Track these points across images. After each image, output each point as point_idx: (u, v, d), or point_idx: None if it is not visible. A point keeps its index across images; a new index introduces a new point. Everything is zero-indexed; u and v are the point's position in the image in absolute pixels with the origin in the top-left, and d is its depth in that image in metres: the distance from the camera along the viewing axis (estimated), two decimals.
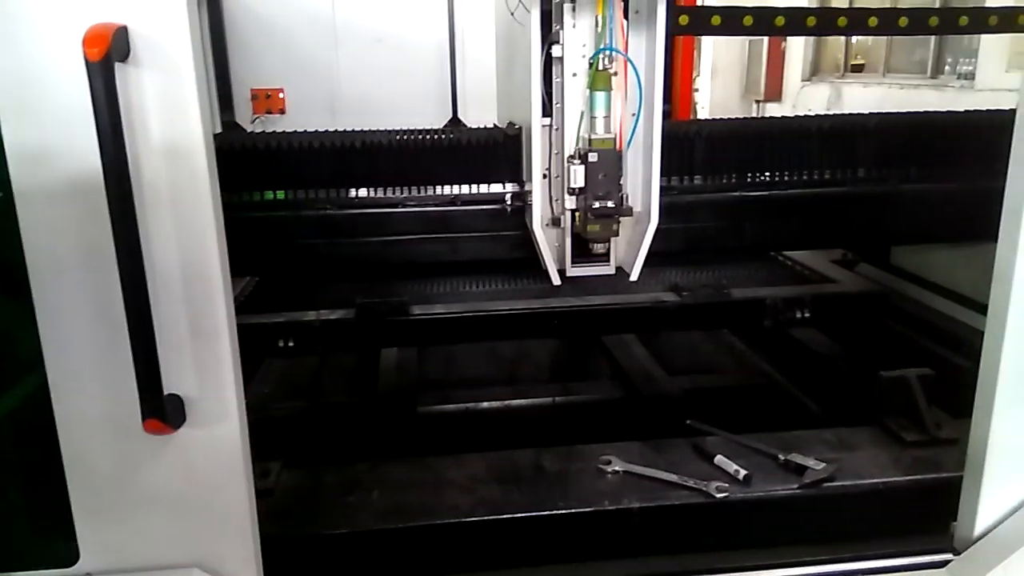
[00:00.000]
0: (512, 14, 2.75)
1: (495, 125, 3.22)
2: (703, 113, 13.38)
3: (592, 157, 2.59)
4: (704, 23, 2.85)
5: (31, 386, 1.76)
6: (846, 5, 11.38)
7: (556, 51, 2.61)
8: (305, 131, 2.79)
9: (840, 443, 2.15)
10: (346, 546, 1.86)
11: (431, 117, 5.53)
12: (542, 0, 2.52)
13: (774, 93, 13.11)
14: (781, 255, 3.47)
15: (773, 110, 13.00)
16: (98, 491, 1.47)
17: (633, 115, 2.68)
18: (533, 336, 3.21)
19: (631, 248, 2.81)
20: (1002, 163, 1.58)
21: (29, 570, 1.53)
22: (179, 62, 1.30)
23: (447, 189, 2.83)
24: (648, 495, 1.94)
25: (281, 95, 5.66)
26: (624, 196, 2.67)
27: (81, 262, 1.35)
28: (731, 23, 2.80)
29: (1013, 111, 1.57)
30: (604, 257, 2.84)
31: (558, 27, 2.61)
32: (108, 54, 1.22)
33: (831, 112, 10.28)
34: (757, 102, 13.52)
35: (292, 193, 2.77)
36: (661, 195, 2.68)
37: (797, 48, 12.61)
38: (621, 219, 2.69)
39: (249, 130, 5.34)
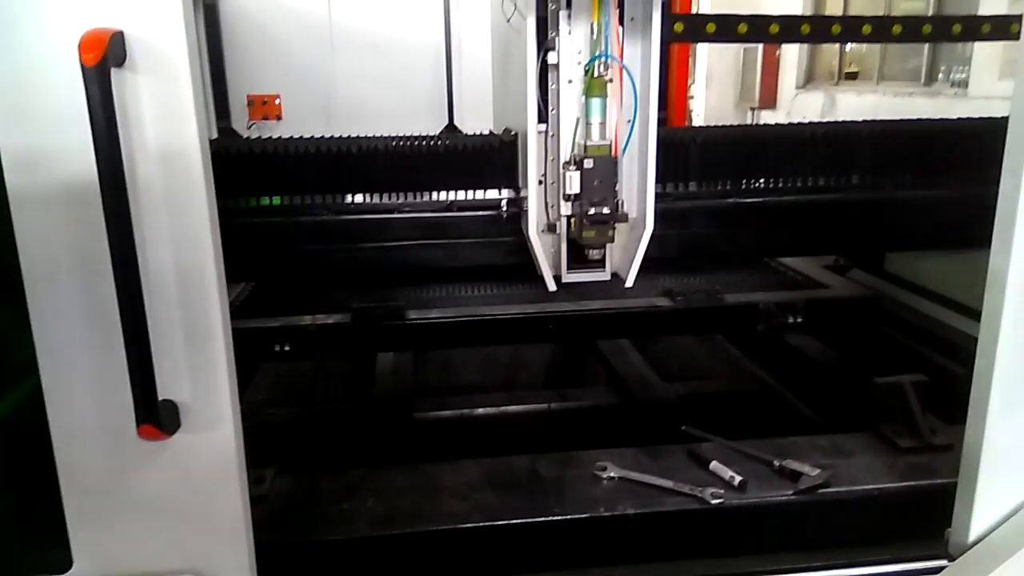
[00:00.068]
0: (508, 20, 2.76)
1: (491, 131, 3.22)
2: (698, 120, 13.43)
3: (588, 163, 2.60)
4: (699, 30, 2.86)
5: (25, 391, 1.75)
6: (840, 13, 11.44)
7: (552, 58, 2.62)
8: (301, 137, 2.80)
9: (835, 449, 2.15)
10: (341, 553, 1.86)
11: (427, 123, 5.54)
12: (538, 7, 2.53)
13: (769, 100, 13.16)
14: (774, 261, 3.48)
15: (768, 117, 13.04)
16: (92, 497, 1.47)
17: (628, 122, 2.69)
18: (528, 341, 3.21)
19: (626, 254, 2.82)
20: (995, 170, 1.59)
21: None
22: (175, 68, 1.30)
23: (443, 195, 2.83)
24: (643, 501, 1.94)
25: (277, 101, 5.66)
26: (619, 202, 2.68)
27: (76, 267, 1.35)
28: (726, 30, 2.82)
29: (1006, 119, 1.58)
30: (600, 263, 2.85)
31: (554, 34, 2.62)
32: (104, 59, 1.22)
33: (825, 119, 10.33)
34: (752, 109, 13.56)
35: (288, 199, 2.76)
36: (656, 201, 2.69)
37: (792, 56, 12.66)
38: (616, 225, 2.70)
39: (245, 136, 5.34)
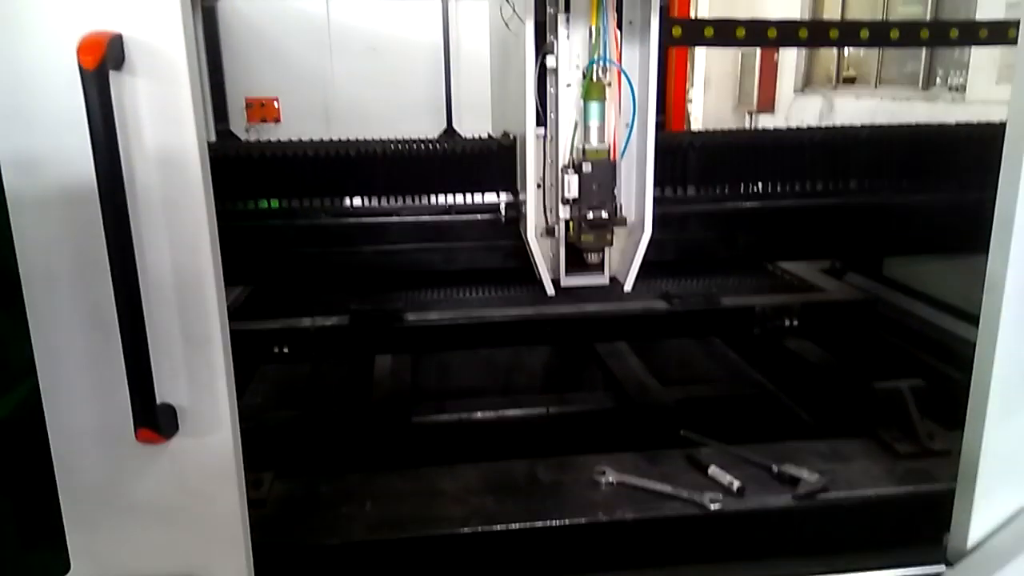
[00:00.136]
0: (507, 24, 2.76)
1: (489, 135, 3.23)
2: (696, 124, 13.46)
3: (586, 167, 2.61)
4: (697, 34, 2.87)
5: (23, 394, 1.74)
6: (838, 18, 11.47)
7: (550, 61, 2.63)
8: (300, 140, 2.80)
9: (833, 454, 2.15)
10: (339, 557, 1.85)
11: (426, 126, 5.55)
12: (536, 11, 2.53)
13: (767, 104, 13.18)
14: (772, 265, 3.49)
15: (766, 121, 13.06)
16: (90, 500, 1.46)
17: (627, 126, 2.69)
18: (526, 343, 3.21)
19: (625, 258, 2.82)
20: (993, 175, 1.59)
21: None
22: (174, 71, 1.30)
23: (442, 198, 2.84)
24: (642, 506, 1.94)
25: (276, 104, 5.67)
26: (618, 206, 2.69)
27: (74, 270, 1.35)
28: (724, 34, 2.83)
29: (1003, 123, 1.58)
30: (598, 267, 2.85)
31: (552, 38, 2.62)
32: (103, 62, 1.22)
33: (823, 124, 10.35)
34: (750, 113, 13.58)
35: (286, 202, 2.77)
36: (655, 205, 2.69)
37: (790, 60, 12.69)
38: (615, 229, 2.70)
39: (243, 139, 5.34)
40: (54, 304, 1.37)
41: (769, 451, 2.13)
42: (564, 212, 2.70)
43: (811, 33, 3.02)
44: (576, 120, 2.67)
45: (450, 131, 5.67)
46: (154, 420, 1.37)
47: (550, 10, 2.61)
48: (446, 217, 2.83)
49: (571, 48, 2.64)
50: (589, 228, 2.65)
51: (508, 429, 2.84)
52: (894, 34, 2.96)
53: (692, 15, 6.82)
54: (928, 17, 9.64)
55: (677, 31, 2.76)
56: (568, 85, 2.67)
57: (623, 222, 2.70)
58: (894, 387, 2.24)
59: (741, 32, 2.81)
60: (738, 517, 1.94)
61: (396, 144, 2.79)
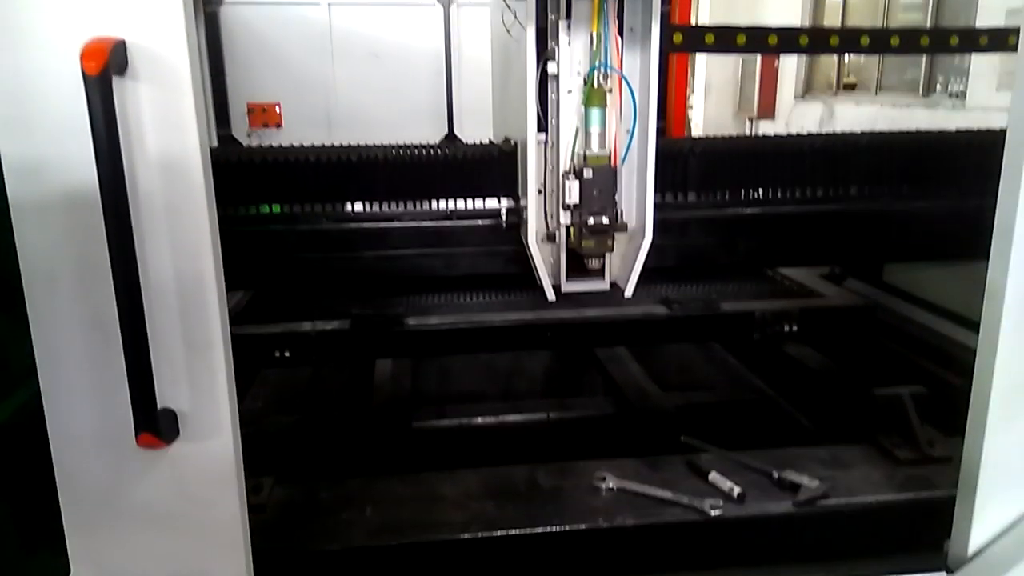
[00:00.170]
0: (508, 31, 2.77)
1: (491, 141, 3.23)
2: (697, 130, 13.48)
3: (587, 173, 2.61)
4: (698, 41, 2.88)
5: (23, 398, 1.75)
6: (838, 24, 11.50)
7: (551, 68, 2.64)
8: (301, 145, 2.80)
9: (834, 461, 2.15)
10: (339, 563, 1.85)
11: (427, 132, 5.57)
12: (538, 17, 2.54)
13: (767, 111, 13.20)
14: (772, 271, 3.49)
15: (766, 127, 13.08)
16: (90, 505, 1.46)
17: (628, 132, 2.70)
18: (526, 348, 3.21)
19: (625, 264, 2.82)
20: (993, 181, 1.60)
21: None
22: (177, 76, 1.31)
23: (443, 204, 2.84)
24: (642, 512, 1.93)
25: (277, 109, 5.69)
26: (619, 212, 2.69)
27: (76, 274, 1.35)
28: (725, 41, 2.84)
29: (1004, 130, 1.58)
30: (599, 273, 2.85)
31: (553, 44, 2.64)
32: (106, 68, 1.23)
33: (824, 130, 10.37)
34: (750, 120, 13.60)
35: (288, 207, 2.77)
36: (655, 211, 2.70)
37: (790, 66, 12.71)
38: (616, 235, 2.70)
39: (245, 144, 5.35)
40: (55, 308, 1.37)
41: (769, 457, 2.12)
42: (565, 218, 2.71)
43: (811, 40, 3.03)
44: (577, 126, 2.68)
45: (451, 136, 5.69)
46: (155, 425, 1.37)
47: (551, 17, 2.62)
48: (447, 222, 2.83)
49: (572, 54, 2.65)
50: (590, 234, 2.65)
51: (508, 434, 2.83)
52: (894, 41, 2.97)
53: (692, 22, 6.84)
54: (928, 24, 9.66)
55: (678, 38, 2.77)
56: (569, 91, 2.68)
57: (624, 228, 2.71)
58: (894, 393, 2.24)
59: (742, 39, 2.82)
60: (738, 523, 1.93)
61: (397, 149, 2.80)
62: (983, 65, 8.45)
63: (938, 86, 9.74)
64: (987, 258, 1.62)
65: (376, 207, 2.82)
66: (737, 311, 2.87)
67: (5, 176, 1.31)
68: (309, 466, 2.31)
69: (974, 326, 1.71)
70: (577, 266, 2.83)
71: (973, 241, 1.75)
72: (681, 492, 1.97)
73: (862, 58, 11.20)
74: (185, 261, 1.38)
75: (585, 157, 2.63)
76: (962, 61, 9.03)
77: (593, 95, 2.61)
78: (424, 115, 5.70)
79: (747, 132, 13.06)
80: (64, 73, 1.26)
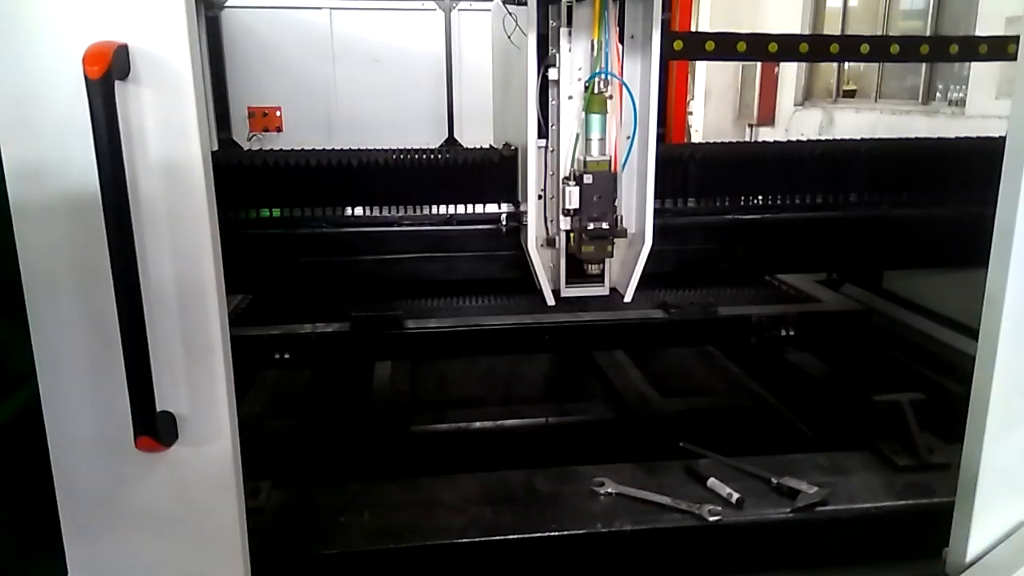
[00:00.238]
0: (509, 37, 2.78)
1: (491, 145, 3.24)
2: (697, 136, 13.50)
3: (587, 179, 2.62)
4: (698, 48, 2.88)
5: (21, 401, 1.75)
6: (838, 32, 11.53)
7: (552, 74, 2.64)
8: (302, 149, 2.81)
9: (833, 467, 2.15)
10: (337, 566, 1.85)
11: (427, 136, 5.57)
12: (539, 23, 2.55)
13: (767, 117, 13.23)
14: (771, 277, 3.50)
15: (766, 134, 13.11)
16: (88, 509, 1.46)
17: (628, 138, 2.70)
18: (525, 351, 3.22)
19: (625, 269, 2.83)
20: (992, 189, 1.60)
21: None
22: (179, 81, 1.31)
23: (443, 208, 2.84)
24: (641, 518, 1.94)
25: (278, 113, 5.69)
26: (618, 218, 2.69)
27: (77, 278, 1.35)
28: (725, 48, 2.84)
29: (1003, 138, 1.59)
30: (598, 278, 2.86)
31: (554, 50, 2.64)
32: (108, 72, 1.23)
33: (823, 137, 10.39)
34: (750, 126, 13.64)
35: (288, 211, 2.77)
36: (655, 217, 2.70)
37: (790, 73, 12.75)
38: (615, 240, 2.71)
39: (246, 148, 5.35)
40: (55, 311, 1.37)
41: (768, 463, 2.13)
42: (565, 223, 2.71)
43: (812, 47, 3.03)
44: (577, 132, 2.68)
45: (451, 141, 5.69)
46: (154, 428, 1.37)
47: (552, 23, 2.63)
48: (447, 227, 2.84)
49: (573, 61, 2.66)
50: (590, 239, 2.65)
51: (507, 439, 2.84)
52: (894, 49, 2.97)
53: (693, 29, 6.86)
54: (928, 32, 9.69)
55: (678, 45, 2.77)
56: (570, 97, 2.69)
57: (623, 233, 2.71)
58: (893, 400, 2.24)
59: (742, 46, 2.83)
60: (737, 529, 1.93)
61: (398, 154, 2.80)
62: (983, 73, 8.48)
63: (938, 94, 9.77)
64: (986, 265, 1.62)
65: (376, 211, 2.82)
66: (734, 315, 2.88)
67: (7, 179, 1.31)
68: (307, 470, 2.31)
69: (973, 333, 1.71)
70: (577, 271, 2.84)
71: (972, 248, 1.75)
72: (680, 498, 1.97)
73: (862, 65, 11.24)
74: (185, 265, 1.38)
75: (585, 163, 2.63)
76: (961, 69, 9.06)
77: (594, 101, 2.61)
78: (424, 120, 5.71)
79: (747, 139, 13.09)
80: (67, 77, 1.26)
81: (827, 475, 2.10)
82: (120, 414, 1.37)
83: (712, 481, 2.04)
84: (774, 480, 2.04)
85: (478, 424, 2.84)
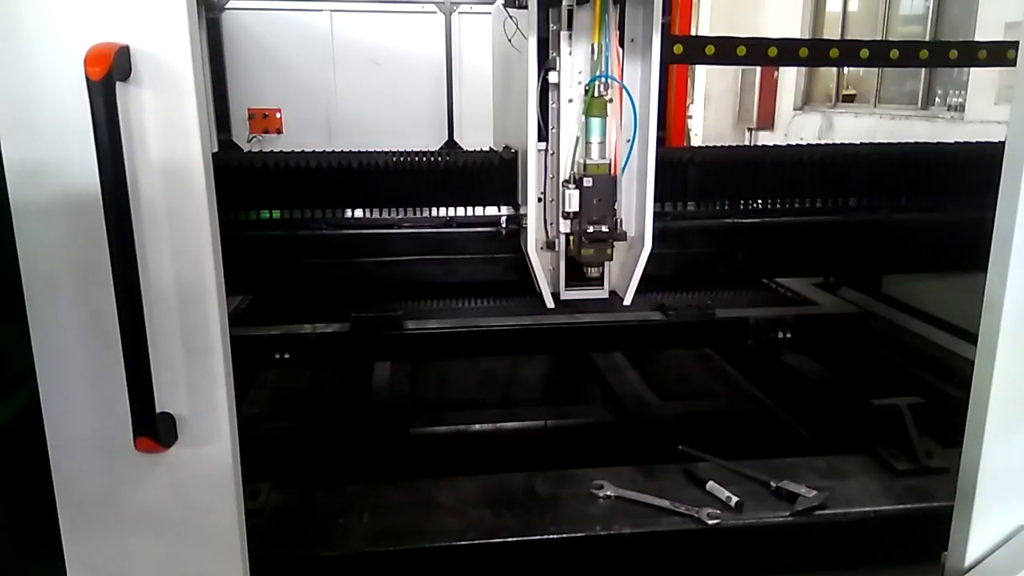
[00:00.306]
0: (510, 40, 2.78)
1: (491, 148, 3.24)
2: (696, 140, 13.52)
3: (587, 182, 2.62)
4: (698, 52, 2.89)
5: (21, 402, 1.75)
6: (838, 37, 11.55)
7: (552, 77, 2.65)
8: (302, 151, 2.81)
9: (832, 471, 2.15)
10: (336, 568, 1.85)
11: (427, 139, 5.57)
12: (539, 27, 2.55)
13: (766, 121, 13.25)
14: (769, 280, 3.51)
15: (765, 138, 13.13)
16: (87, 509, 1.46)
17: (628, 141, 2.71)
18: (523, 352, 3.23)
19: (624, 272, 2.83)
20: (991, 194, 1.60)
21: None
22: (180, 82, 1.31)
23: (443, 211, 2.84)
24: (640, 521, 1.94)
25: (278, 115, 5.69)
26: (618, 221, 2.70)
27: (77, 279, 1.35)
28: (725, 52, 2.85)
29: (1002, 143, 1.59)
30: (598, 281, 2.86)
31: (554, 54, 2.65)
32: (109, 73, 1.23)
33: (823, 141, 10.41)
34: (749, 130, 13.65)
35: (288, 213, 2.77)
36: (655, 220, 2.71)
37: (789, 78, 12.77)
38: (615, 243, 2.71)
39: (245, 150, 5.36)
40: (55, 312, 1.37)
41: (767, 467, 2.13)
42: (565, 226, 2.72)
43: (811, 52, 3.04)
44: (577, 135, 2.69)
45: (451, 144, 5.69)
46: (153, 429, 1.37)
47: (553, 27, 2.63)
48: (447, 230, 2.84)
49: (573, 64, 2.66)
50: (589, 242, 2.66)
51: (506, 441, 2.84)
52: (894, 54, 2.98)
53: (692, 33, 6.87)
54: (928, 37, 9.71)
55: (678, 49, 2.78)
56: (570, 101, 2.69)
57: (623, 236, 2.72)
58: (892, 404, 2.24)
59: (742, 50, 2.83)
60: (736, 533, 1.94)
61: (398, 156, 2.80)
62: (982, 78, 8.50)
63: (937, 99, 9.78)
64: (985, 270, 1.63)
65: (376, 213, 2.83)
66: (731, 317, 2.89)
67: (7, 179, 1.31)
68: (306, 471, 2.30)
69: (972, 337, 1.71)
70: (576, 274, 2.84)
71: (971, 253, 1.76)
72: (679, 501, 1.97)
73: (861, 70, 11.25)
74: (186, 266, 1.38)
75: (585, 166, 2.64)
76: (961, 74, 9.08)
77: (594, 104, 2.62)
78: (424, 122, 5.71)
79: (746, 143, 13.11)
80: (68, 78, 1.26)
81: (826, 479, 2.10)
82: (120, 415, 1.36)
83: (711, 484, 2.04)
84: (773, 484, 2.04)
85: (477, 426, 2.84)
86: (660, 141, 2.73)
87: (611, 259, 2.76)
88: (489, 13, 3.56)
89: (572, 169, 2.69)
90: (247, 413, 2.80)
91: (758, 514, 1.96)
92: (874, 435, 2.26)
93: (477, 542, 1.88)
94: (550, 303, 2.80)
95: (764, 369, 3.23)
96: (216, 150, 4.79)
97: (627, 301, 2.79)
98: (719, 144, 3.09)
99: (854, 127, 10.87)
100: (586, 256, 2.70)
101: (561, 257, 2.81)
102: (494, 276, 2.89)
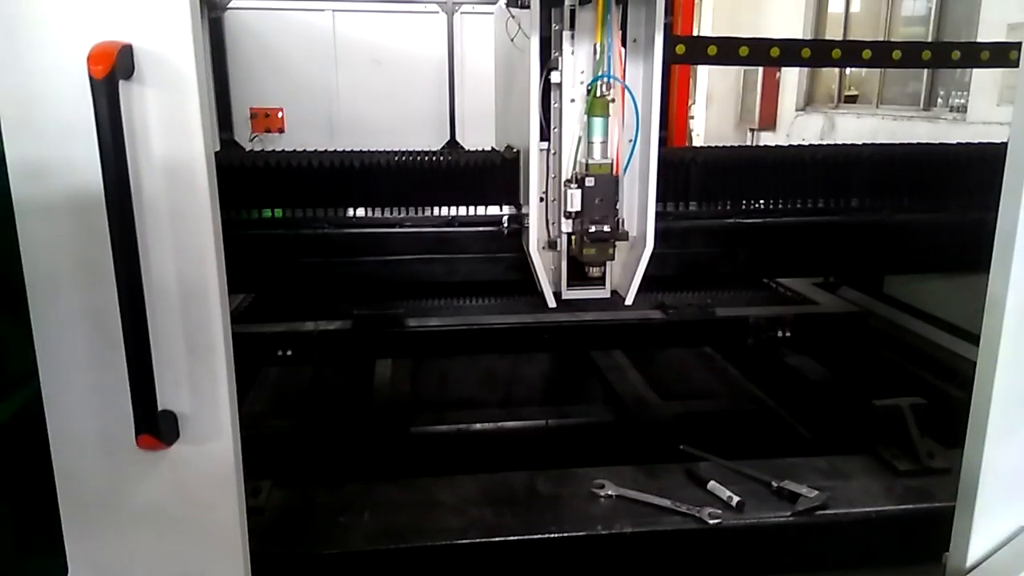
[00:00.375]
0: (512, 40, 2.78)
1: (492, 148, 3.24)
2: (698, 140, 13.51)
3: (589, 182, 2.62)
4: (701, 52, 2.89)
5: (23, 399, 1.75)
6: (840, 37, 11.54)
7: (555, 77, 2.65)
8: (304, 150, 2.81)
9: (833, 471, 2.15)
10: (337, 566, 1.85)
11: (429, 139, 5.57)
12: (542, 26, 2.56)
13: (768, 122, 13.23)
14: (768, 279, 3.51)
15: (767, 139, 13.11)
16: (89, 506, 1.46)
17: (630, 141, 2.71)
18: (524, 350, 3.23)
19: (626, 272, 2.83)
20: (993, 195, 1.60)
21: None
22: (183, 81, 1.31)
23: (444, 210, 2.85)
24: (641, 520, 1.93)
25: (280, 115, 5.69)
26: (620, 221, 2.70)
27: (79, 277, 1.35)
28: (727, 53, 2.85)
29: (1004, 144, 1.59)
30: (599, 280, 2.86)
31: (557, 54, 2.65)
32: (112, 72, 1.23)
33: (825, 142, 10.40)
34: (751, 130, 13.64)
35: (290, 211, 2.78)
36: (657, 220, 2.71)
37: (792, 78, 12.75)
38: (617, 243, 2.71)
39: (247, 149, 5.36)
40: (58, 310, 1.37)
41: (768, 467, 2.12)
42: (566, 226, 2.72)
43: (814, 52, 3.03)
44: (579, 135, 2.69)
45: (453, 144, 5.69)
46: (155, 427, 1.37)
47: (555, 26, 2.63)
48: (449, 229, 2.84)
49: (575, 64, 2.67)
50: (591, 242, 2.66)
51: (507, 441, 2.84)
52: (896, 55, 2.98)
53: (694, 33, 6.87)
54: (930, 38, 9.70)
55: (681, 49, 2.78)
56: (572, 100, 2.69)
57: (625, 236, 2.72)
58: (894, 404, 2.24)
59: (744, 51, 2.83)
60: (737, 532, 1.93)
61: (400, 155, 2.80)
62: (984, 80, 8.48)
63: (939, 100, 9.77)
64: (988, 271, 1.63)
65: (378, 213, 2.83)
66: (731, 316, 2.89)
67: (10, 177, 1.32)
68: (307, 470, 2.31)
69: (973, 338, 1.71)
70: (578, 274, 2.84)
71: (974, 253, 1.76)
72: (680, 500, 1.97)
73: (863, 71, 11.24)
74: (188, 264, 1.38)
75: (587, 165, 2.64)
76: (963, 75, 9.06)
77: (596, 104, 2.62)
78: (426, 122, 5.71)
79: (748, 143, 13.10)
80: (71, 76, 1.26)
81: (827, 479, 2.10)
82: (122, 412, 1.37)
83: (712, 484, 2.04)
84: (774, 484, 2.04)
85: (478, 425, 2.84)
86: (662, 141, 2.73)
87: (613, 259, 2.76)
88: (491, 13, 3.56)
89: (574, 169, 2.69)
90: (249, 411, 2.80)
91: (759, 514, 1.96)
92: (876, 435, 2.26)
93: (478, 541, 1.88)
94: (552, 303, 2.81)
95: (765, 369, 3.23)
96: (218, 149, 4.80)
97: (629, 301, 2.79)
98: (721, 144, 3.09)
99: (856, 128, 10.86)
100: (588, 256, 2.70)
101: (563, 257, 2.81)
102: (496, 276, 2.90)
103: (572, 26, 2.63)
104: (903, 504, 2.02)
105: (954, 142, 3.06)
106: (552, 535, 1.89)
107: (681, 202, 2.91)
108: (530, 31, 2.53)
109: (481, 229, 2.86)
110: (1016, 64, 2.99)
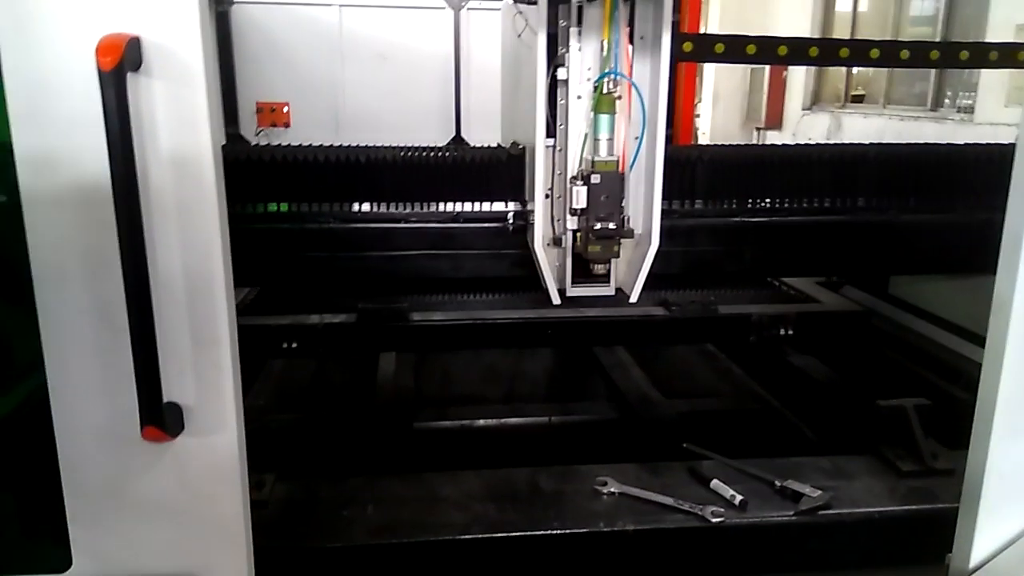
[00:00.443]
0: (519, 35, 2.78)
1: (498, 144, 3.24)
2: (704, 139, 13.48)
3: (595, 179, 2.62)
4: (708, 50, 2.88)
5: (28, 390, 1.75)
6: (848, 36, 11.51)
7: (561, 73, 2.64)
8: (310, 145, 2.81)
9: (836, 471, 2.15)
10: (339, 560, 1.86)
11: (434, 134, 5.57)
12: (549, 23, 2.55)
13: (775, 121, 13.22)
14: (773, 278, 3.51)
15: (773, 138, 13.10)
16: (93, 497, 1.47)
17: (636, 138, 2.70)
18: (527, 345, 3.24)
19: (631, 270, 2.83)
20: (1001, 196, 1.60)
21: (21, 574, 1.52)
22: (191, 74, 1.31)
23: (450, 206, 2.85)
24: (643, 518, 1.94)
25: (286, 109, 5.70)
26: (625, 218, 2.70)
27: (86, 268, 1.36)
28: (735, 51, 2.84)
29: (1012, 144, 1.58)
30: (604, 278, 2.86)
31: (564, 50, 2.64)
32: (120, 64, 1.23)
33: (831, 141, 10.38)
34: (758, 129, 13.62)
35: (296, 206, 2.78)
36: (662, 218, 2.70)
37: (798, 77, 12.73)
38: (622, 241, 2.71)
39: (253, 143, 5.36)
40: (64, 301, 1.38)
41: (772, 466, 2.12)
42: (572, 223, 2.72)
43: (821, 51, 3.02)
44: (586, 132, 2.68)
45: (459, 139, 5.69)
46: (160, 419, 1.38)
47: (562, 23, 2.62)
48: (454, 225, 2.84)
49: (582, 61, 2.66)
50: (596, 239, 2.66)
51: (510, 437, 2.84)
52: (904, 54, 2.96)
53: (702, 31, 6.85)
54: (938, 38, 9.66)
55: (688, 46, 2.77)
56: (579, 97, 2.68)
57: (630, 234, 2.71)
58: (898, 405, 2.24)
59: (752, 49, 2.82)
60: (739, 531, 1.93)
61: (405, 151, 2.81)
62: (992, 80, 8.46)
63: (946, 100, 9.74)
64: (994, 272, 1.62)
65: (383, 208, 2.83)
66: (733, 314, 2.89)
67: (18, 169, 1.32)
68: (311, 464, 2.31)
69: (979, 339, 1.70)
70: (583, 271, 2.84)
71: (980, 254, 1.75)
72: (683, 498, 1.97)
73: (871, 70, 11.21)
74: (194, 258, 1.38)
75: (593, 163, 2.64)
76: (971, 76, 9.03)
77: (602, 101, 2.61)
78: (432, 118, 5.71)
79: (754, 142, 13.07)
80: (79, 68, 1.26)
81: (830, 479, 2.10)
82: (127, 404, 1.37)
83: (715, 483, 2.03)
84: (777, 483, 2.03)
85: (481, 421, 2.85)
86: (668, 139, 2.73)
87: (618, 256, 2.76)
88: (498, 9, 3.56)
89: (580, 166, 2.69)
90: (253, 405, 2.81)
91: (762, 513, 1.96)
92: (879, 436, 2.26)
93: (481, 536, 1.88)
94: (556, 299, 2.81)
95: (769, 368, 3.23)
96: (224, 143, 4.80)
97: (633, 299, 2.79)
98: (727, 143, 3.09)
99: (863, 128, 10.84)
100: (593, 253, 2.69)
101: (568, 254, 2.81)
102: (500, 272, 2.90)
103: (579, 23, 2.62)
104: (906, 505, 2.02)
105: (961, 143, 3.04)
106: (554, 532, 1.90)
107: (687, 200, 2.90)
108: (537, 27, 2.53)
109: (486, 225, 2.86)
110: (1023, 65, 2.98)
